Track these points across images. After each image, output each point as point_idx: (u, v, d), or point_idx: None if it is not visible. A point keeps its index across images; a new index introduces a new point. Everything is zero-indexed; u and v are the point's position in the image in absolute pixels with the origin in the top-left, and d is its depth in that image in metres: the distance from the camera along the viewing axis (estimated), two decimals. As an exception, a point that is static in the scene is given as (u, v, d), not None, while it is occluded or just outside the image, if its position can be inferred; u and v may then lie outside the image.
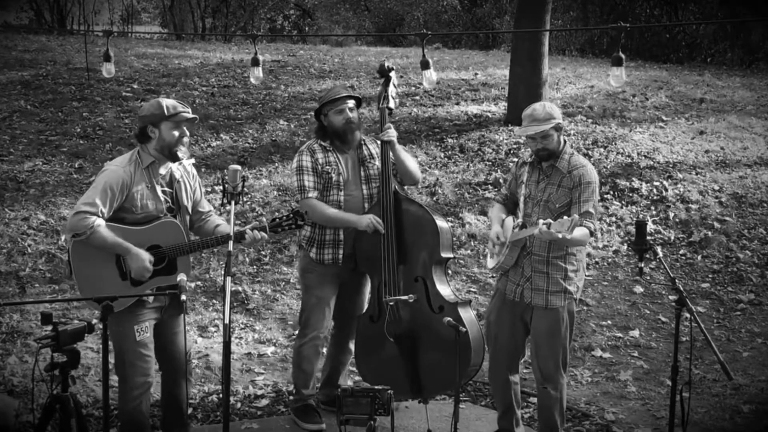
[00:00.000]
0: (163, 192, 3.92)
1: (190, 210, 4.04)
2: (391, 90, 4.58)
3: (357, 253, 4.48)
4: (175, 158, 3.89)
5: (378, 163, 4.51)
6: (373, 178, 4.52)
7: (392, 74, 4.59)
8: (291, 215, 3.97)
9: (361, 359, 4.54)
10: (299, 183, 4.41)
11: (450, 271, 6.90)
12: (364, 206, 4.48)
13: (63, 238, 6.97)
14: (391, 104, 4.57)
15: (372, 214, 4.39)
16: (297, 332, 4.70)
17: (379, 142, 4.50)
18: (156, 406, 4.38)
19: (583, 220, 3.93)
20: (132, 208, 3.82)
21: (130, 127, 9.31)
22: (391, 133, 4.43)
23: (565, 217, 3.69)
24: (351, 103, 4.47)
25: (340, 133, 4.45)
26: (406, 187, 4.66)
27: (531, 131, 4.00)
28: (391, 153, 4.47)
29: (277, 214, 7.63)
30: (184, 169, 4.05)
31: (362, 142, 4.57)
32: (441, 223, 4.40)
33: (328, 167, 4.42)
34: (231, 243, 3.64)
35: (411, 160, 4.58)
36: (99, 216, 3.72)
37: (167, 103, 3.88)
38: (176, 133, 3.85)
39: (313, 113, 4.67)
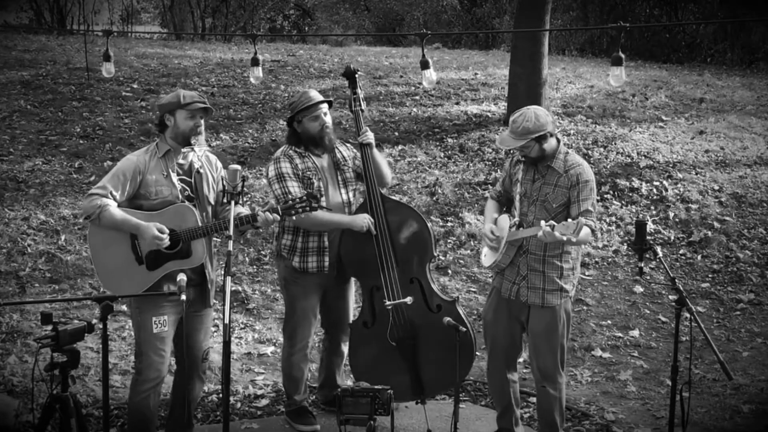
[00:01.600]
0: (181, 180, 3.98)
1: (212, 200, 4.08)
2: (359, 91, 4.57)
3: (345, 260, 4.40)
4: (187, 143, 3.98)
5: (351, 164, 4.50)
6: (349, 181, 4.49)
7: (357, 75, 4.58)
8: (305, 197, 3.95)
9: (358, 366, 4.48)
10: (283, 190, 4.27)
11: (450, 271, 6.90)
12: (344, 211, 4.42)
13: (63, 238, 6.98)
14: (363, 105, 4.56)
15: (365, 214, 4.36)
16: (283, 341, 4.64)
17: (358, 144, 4.45)
18: (161, 405, 4.39)
19: (585, 220, 3.93)
20: (147, 194, 3.91)
21: (130, 127, 9.32)
22: (370, 136, 4.42)
23: (570, 220, 3.67)
24: (325, 107, 4.39)
25: (316, 139, 4.36)
26: (405, 187, 4.65)
27: (504, 145, 4.05)
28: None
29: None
30: (207, 159, 4.12)
31: (334, 146, 4.51)
32: (428, 222, 4.44)
33: (309, 173, 4.33)
34: (231, 243, 3.64)
35: (385, 164, 4.58)
36: (108, 198, 3.84)
37: (184, 93, 4.01)
38: (191, 123, 3.95)
39: (285, 121, 4.60)
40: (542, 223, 3.74)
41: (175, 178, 3.96)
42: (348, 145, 4.63)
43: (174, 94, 4.01)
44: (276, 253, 4.57)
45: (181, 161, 4.01)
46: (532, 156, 4.03)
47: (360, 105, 4.53)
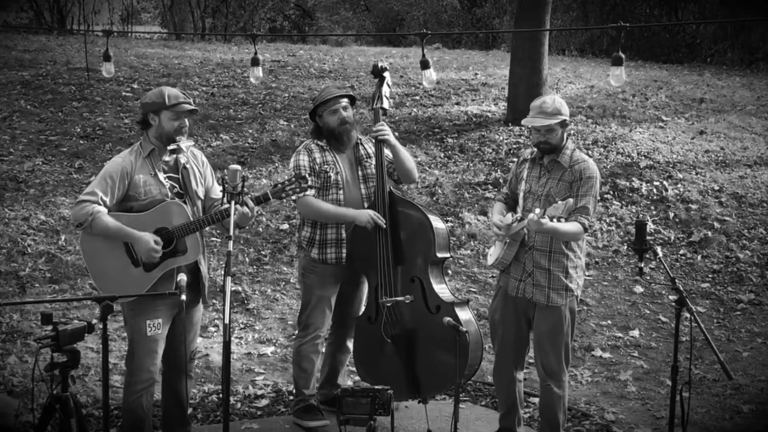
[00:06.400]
0: (169, 178, 3.95)
1: (201, 195, 4.05)
2: (385, 90, 4.53)
3: (353, 253, 4.45)
4: (172, 143, 3.92)
5: (375, 161, 4.49)
6: (371, 177, 4.50)
7: (386, 74, 4.54)
8: (293, 178, 3.92)
9: (359, 360, 4.53)
10: None
11: (450, 271, 6.90)
12: (363, 206, 4.46)
13: (63, 238, 6.98)
14: (385, 104, 4.51)
15: (371, 210, 4.37)
16: (297, 331, 4.68)
17: (374, 141, 4.47)
18: (157, 406, 4.39)
19: (578, 215, 3.93)
20: (136, 195, 3.88)
21: (130, 127, 9.32)
22: (385, 132, 4.39)
23: (559, 201, 3.68)
24: (344, 101, 4.44)
25: (335, 134, 4.42)
26: (405, 187, 4.65)
27: (537, 123, 3.99)
28: (389, 152, 4.45)
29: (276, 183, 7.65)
30: (192, 155, 4.08)
31: (359, 142, 4.55)
32: (437, 223, 4.38)
33: (326, 166, 4.40)
34: (231, 243, 3.62)
35: (409, 159, 4.56)
36: (99, 204, 3.79)
37: (169, 92, 3.92)
38: (176, 124, 3.90)
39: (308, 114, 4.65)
40: (535, 209, 3.75)
41: (162, 176, 3.93)
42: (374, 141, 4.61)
43: (158, 93, 3.93)
44: (297, 245, 4.64)
45: (166, 158, 3.97)
46: (553, 143, 4.03)
47: (381, 104, 4.48)
